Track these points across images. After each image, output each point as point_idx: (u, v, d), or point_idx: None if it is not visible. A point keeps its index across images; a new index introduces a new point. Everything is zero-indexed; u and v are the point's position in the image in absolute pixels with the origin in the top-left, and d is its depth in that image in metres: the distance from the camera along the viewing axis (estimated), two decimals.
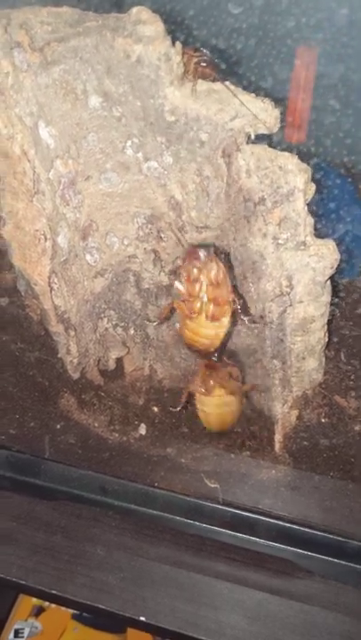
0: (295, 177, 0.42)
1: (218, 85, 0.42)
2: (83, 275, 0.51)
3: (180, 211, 0.48)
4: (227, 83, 0.42)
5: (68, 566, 0.55)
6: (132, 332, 0.56)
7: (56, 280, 0.47)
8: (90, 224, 0.49)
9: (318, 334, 0.46)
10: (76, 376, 0.55)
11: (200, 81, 0.42)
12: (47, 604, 0.87)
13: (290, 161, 0.42)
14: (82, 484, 0.54)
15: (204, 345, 0.46)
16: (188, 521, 0.53)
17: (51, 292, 0.47)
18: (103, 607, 0.54)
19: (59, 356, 0.52)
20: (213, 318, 0.45)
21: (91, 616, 0.84)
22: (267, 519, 0.51)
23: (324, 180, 0.52)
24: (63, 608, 0.84)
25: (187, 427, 0.56)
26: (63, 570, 0.55)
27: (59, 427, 0.55)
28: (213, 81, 0.43)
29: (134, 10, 0.41)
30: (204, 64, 0.43)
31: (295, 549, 0.52)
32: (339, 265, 0.44)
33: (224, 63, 0.42)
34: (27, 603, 0.89)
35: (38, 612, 0.88)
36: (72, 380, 0.55)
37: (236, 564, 0.55)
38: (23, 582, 0.55)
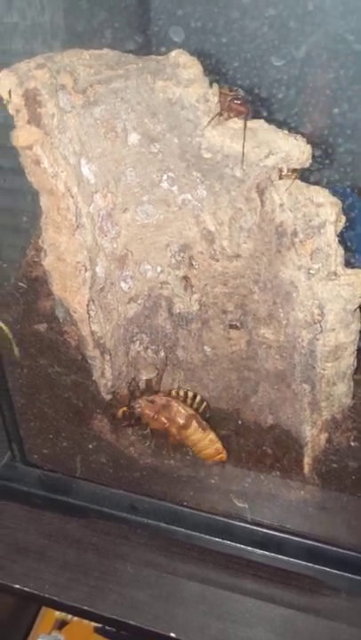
0: (327, 210, 0.43)
1: (253, 123, 0.44)
2: (117, 301, 0.52)
3: (212, 240, 0.50)
4: (261, 121, 0.44)
5: (100, 583, 0.56)
6: (162, 354, 0.58)
7: (93, 307, 0.49)
8: (126, 254, 0.51)
9: (348, 360, 0.47)
10: (108, 397, 0.56)
11: (236, 120, 0.44)
12: (70, 617, 0.88)
13: (322, 194, 0.44)
14: (112, 503, 0.56)
15: None
16: (217, 539, 0.54)
17: (88, 318, 0.49)
18: (133, 623, 0.55)
19: (93, 378, 0.54)
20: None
21: (113, 630, 0.85)
22: (294, 538, 0.52)
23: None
24: (85, 621, 0.85)
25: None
26: (94, 586, 0.55)
27: (91, 447, 0.56)
28: (247, 118, 0.45)
29: (173, 53, 0.42)
30: (238, 102, 0.45)
31: (322, 567, 0.52)
32: None
33: (265, 110, 0.44)
34: (50, 616, 0.89)
35: (61, 625, 0.89)
36: (105, 402, 0.56)
37: (264, 582, 0.55)
38: (56, 598, 0.56)
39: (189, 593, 0.55)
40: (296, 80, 0.44)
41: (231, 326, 0.55)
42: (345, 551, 0.51)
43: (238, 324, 0.55)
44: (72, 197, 0.43)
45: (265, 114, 0.43)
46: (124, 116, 0.44)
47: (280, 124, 0.40)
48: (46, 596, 0.56)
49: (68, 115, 0.43)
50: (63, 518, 0.59)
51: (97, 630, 0.88)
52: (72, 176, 0.43)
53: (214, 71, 0.40)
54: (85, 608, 0.56)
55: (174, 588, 0.55)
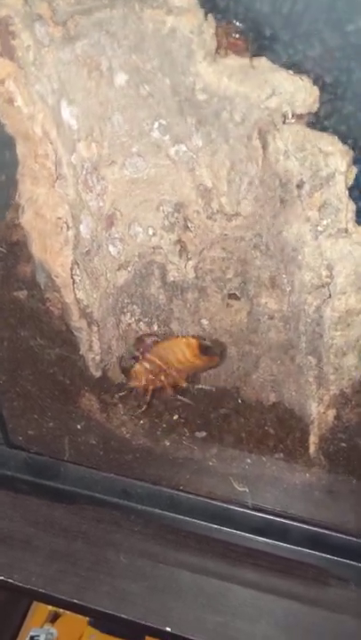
0: (336, 159, 0.39)
1: (254, 61, 0.39)
2: (105, 267, 0.48)
3: (209, 198, 0.45)
4: (263, 58, 0.39)
5: (90, 574, 0.53)
6: (155, 327, 0.54)
7: (78, 272, 0.45)
8: (113, 212, 0.46)
9: (360, 328, 0.43)
10: (97, 374, 0.53)
11: (234, 56, 0.39)
12: (63, 610, 0.86)
13: (330, 142, 0.39)
14: (103, 488, 0.53)
15: None
16: (215, 526, 0.51)
17: (73, 284, 0.45)
18: (126, 617, 0.52)
19: (80, 353, 0.50)
20: None
21: (108, 623, 0.82)
22: (298, 524, 0.49)
23: None
24: None
25: (214, 426, 0.54)
26: (84, 578, 0.53)
27: (79, 427, 0.53)
28: (246, 55, 0.40)
29: None
30: (237, 36, 0.40)
31: (328, 556, 0.50)
32: None
33: (264, 37, 0.39)
34: (42, 609, 0.88)
35: (54, 618, 0.88)
36: (94, 379, 0.52)
37: (265, 572, 0.52)
38: (42, 591, 0.53)
39: (186, 584, 0.52)
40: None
41: (230, 296, 0.52)
42: (353, 538, 0.48)
43: (238, 293, 0.51)
44: (51, 143, 0.39)
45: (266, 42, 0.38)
46: (110, 53, 0.40)
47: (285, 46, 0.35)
48: (33, 588, 0.54)
49: (46, 49, 0.38)
50: (51, 504, 0.56)
51: (91, 623, 0.85)
52: (50, 118, 0.39)
53: None
54: (75, 601, 0.53)
55: (170, 578, 0.52)
